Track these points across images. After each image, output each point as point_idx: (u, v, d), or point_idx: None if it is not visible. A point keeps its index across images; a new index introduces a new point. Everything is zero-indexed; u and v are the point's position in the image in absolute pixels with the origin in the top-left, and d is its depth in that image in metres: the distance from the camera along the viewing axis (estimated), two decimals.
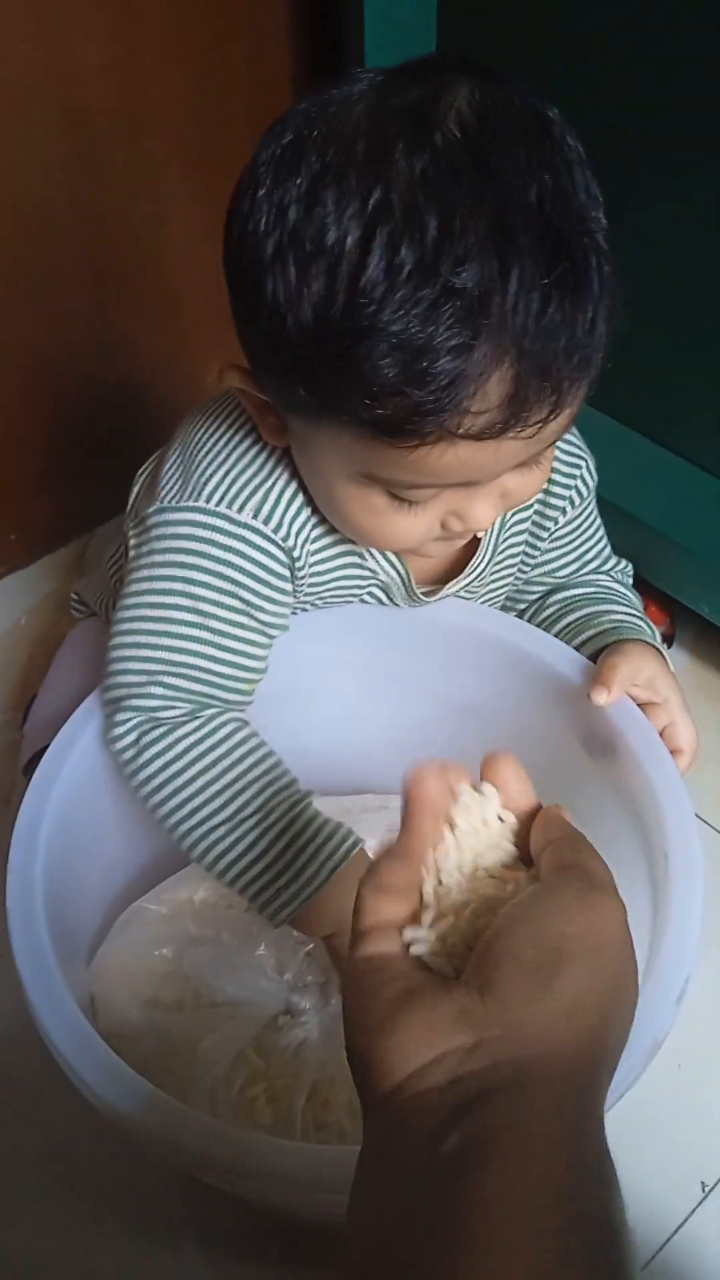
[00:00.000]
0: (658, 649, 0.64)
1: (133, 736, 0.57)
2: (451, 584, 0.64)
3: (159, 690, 0.57)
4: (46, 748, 0.61)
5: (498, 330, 0.43)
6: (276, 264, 0.45)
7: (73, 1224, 0.66)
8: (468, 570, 0.63)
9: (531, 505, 0.66)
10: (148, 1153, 0.48)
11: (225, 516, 0.56)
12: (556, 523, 0.66)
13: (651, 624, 0.68)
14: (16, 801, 0.57)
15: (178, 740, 0.57)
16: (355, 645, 0.66)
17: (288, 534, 0.57)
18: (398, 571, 0.62)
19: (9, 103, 0.82)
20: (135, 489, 0.62)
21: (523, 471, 0.52)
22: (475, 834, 0.40)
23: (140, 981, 0.59)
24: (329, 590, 0.62)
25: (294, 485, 0.57)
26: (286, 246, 0.44)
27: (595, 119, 0.75)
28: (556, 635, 0.66)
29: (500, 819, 0.42)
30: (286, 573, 0.59)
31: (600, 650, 0.64)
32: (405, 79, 0.45)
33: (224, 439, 0.58)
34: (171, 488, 0.58)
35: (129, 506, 0.63)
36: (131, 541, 0.59)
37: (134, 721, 0.57)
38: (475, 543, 0.64)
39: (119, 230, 0.94)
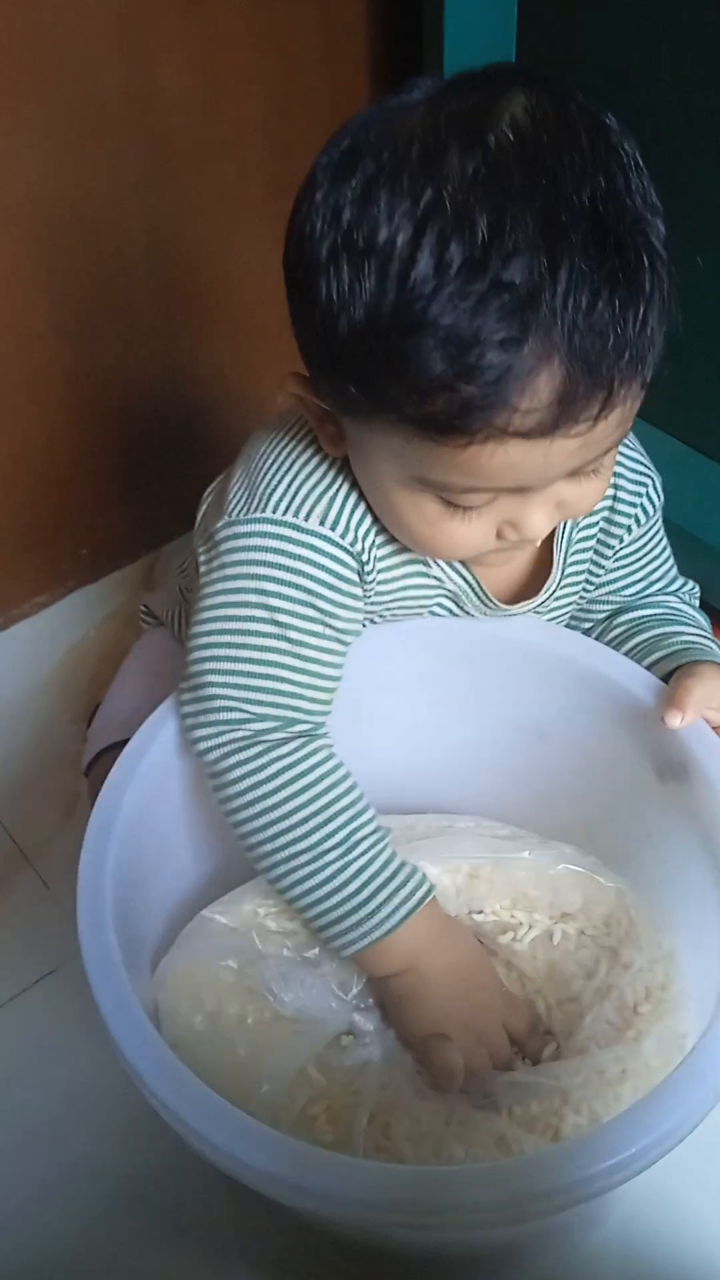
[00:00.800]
0: None
1: (222, 750, 0.58)
2: (525, 603, 0.64)
3: (247, 704, 0.57)
4: (108, 750, 0.62)
5: (547, 326, 0.43)
6: (330, 265, 0.46)
7: (121, 1236, 0.66)
8: (544, 589, 0.63)
9: (596, 523, 0.65)
10: (210, 1164, 0.48)
11: (293, 525, 0.57)
12: (622, 540, 0.66)
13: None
14: (83, 808, 0.57)
15: (271, 761, 0.57)
16: (422, 661, 0.66)
17: (355, 539, 0.58)
18: (464, 579, 0.62)
19: (90, 125, 0.84)
20: (203, 507, 0.63)
21: (579, 481, 0.52)
22: None
23: (205, 992, 0.59)
24: (397, 601, 0.62)
25: (357, 493, 0.58)
26: (340, 248, 0.45)
27: (671, 129, 0.75)
28: (624, 656, 0.65)
29: None
30: (357, 578, 0.59)
31: (671, 672, 0.63)
32: (463, 86, 0.47)
33: (287, 452, 0.59)
34: (238, 502, 0.58)
35: (197, 523, 0.63)
36: (201, 558, 0.60)
37: (224, 735, 0.57)
38: (549, 561, 0.64)
39: (192, 253, 0.96)
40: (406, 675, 0.66)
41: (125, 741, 0.63)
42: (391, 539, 0.59)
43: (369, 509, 0.58)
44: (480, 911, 0.67)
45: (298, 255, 0.48)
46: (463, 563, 0.61)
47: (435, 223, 0.43)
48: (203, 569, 0.59)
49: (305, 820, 0.57)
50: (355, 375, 0.47)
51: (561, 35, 0.84)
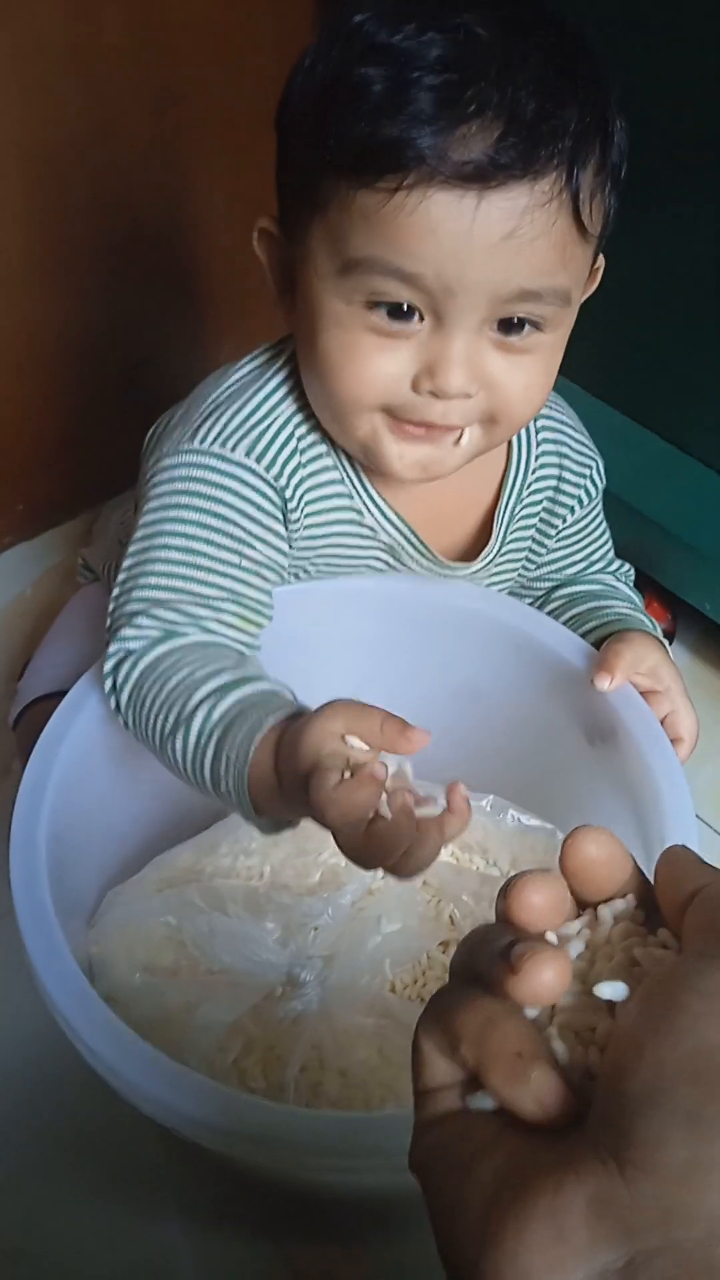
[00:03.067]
0: (660, 640, 0.65)
1: (111, 676, 0.57)
2: (464, 564, 0.64)
3: (141, 621, 0.56)
4: (36, 702, 0.61)
5: (488, 76, 0.46)
6: (316, 44, 0.50)
7: (54, 1183, 0.67)
8: (482, 556, 0.64)
9: (541, 501, 0.66)
10: (141, 1112, 0.48)
11: (219, 455, 0.57)
12: (565, 520, 0.68)
13: (654, 620, 0.69)
14: (17, 768, 0.57)
15: (143, 669, 0.56)
16: (359, 622, 0.66)
17: (280, 473, 0.58)
18: (400, 531, 0.62)
19: (32, 74, 0.82)
20: (146, 449, 0.63)
21: (508, 358, 0.52)
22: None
23: (139, 947, 0.60)
24: (330, 550, 0.63)
25: (290, 426, 0.58)
26: (328, 34, 0.50)
27: (631, 79, 0.75)
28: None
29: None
30: (279, 514, 0.59)
31: (604, 640, 0.65)
32: None
33: (229, 391, 0.60)
34: (172, 438, 0.59)
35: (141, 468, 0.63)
36: (139, 497, 0.60)
37: (114, 658, 0.57)
38: (487, 533, 0.64)
39: (136, 204, 0.94)
40: (343, 636, 0.67)
41: (54, 694, 0.63)
42: (324, 477, 0.60)
43: (298, 448, 0.58)
44: None
45: (288, 90, 0.52)
46: (397, 514, 0.62)
47: (411, 6, 0.48)
48: (138, 506, 0.60)
49: (171, 698, 0.54)
50: (311, 119, 0.50)
51: None
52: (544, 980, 0.26)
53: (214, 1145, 0.47)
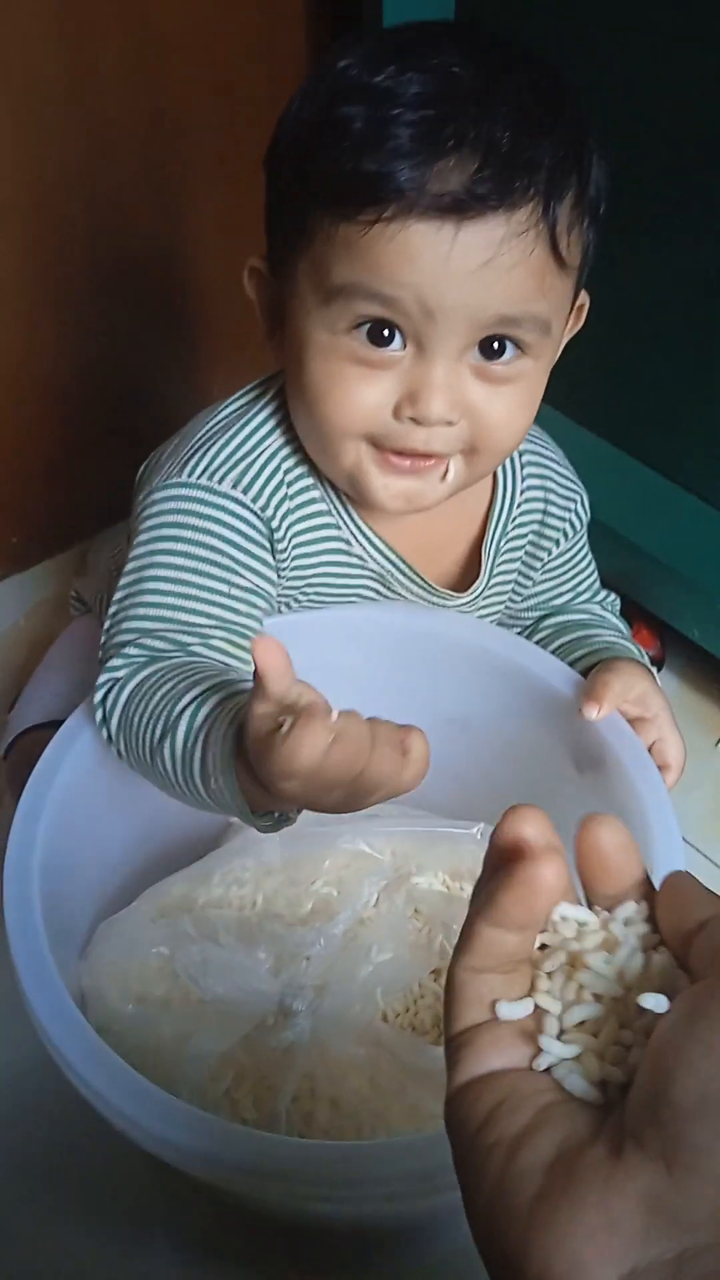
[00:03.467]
0: (647, 667, 0.66)
1: (100, 707, 0.57)
2: (455, 595, 0.65)
3: (129, 651, 0.57)
4: (27, 733, 0.61)
5: (466, 113, 0.48)
6: (302, 89, 0.53)
7: (44, 1214, 0.67)
8: (471, 590, 0.65)
9: (526, 535, 0.68)
10: (131, 1142, 0.48)
11: (206, 488, 0.59)
12: (550, 553, 0.69)
13: (641, 648, 0.70)
14: (8, 800, 0.57)
15: (130, 693, 0.56)
16: (349, 653, 0.67)
17: (266, 504, 0.59)
18: (388, 558, 0.63)
19: (28, 104, 0.83)
20: (137, 485, 0.64)
21: (489, 387, 0.53)
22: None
23: (132, 977, 0.60)
24: (319, 580, 0.63)
25: (276, 459, 0.60)
26: (313, 80, 0.52)
27: (611, 117, 0.76)
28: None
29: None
30: (266, 542, 0.60)
31: (591, 668, 0.65)
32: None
33: (217, 426, 0.61)
34: (162, 473, 0.60)
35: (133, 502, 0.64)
36: (130, 532, 0.61)
37: (103, 689, 0.57)
38: (478, 564, 0.65)
39: (132, 237, 0.96)
40: (331, 666, 0.67)
41: (46, 725, 0.63)
42: (311, 510, 0.60)
43: (284, 480, 0.60)
44: (418, 879, 0.67)
45: (277, 132, 0.54)
46: (385, 543, 0.63)
47: (399, 59, 0.49)
48: (129, 541, 0.61)
49: (154, 717, 0.54)
50: (294, 157, 0.52)
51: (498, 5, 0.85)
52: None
53: (204, 1175, 0.47)
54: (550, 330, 0.54)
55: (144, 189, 0.94)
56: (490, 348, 0.53)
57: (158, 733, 0.53)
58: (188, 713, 0.52)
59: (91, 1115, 0.49)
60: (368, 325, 0.52)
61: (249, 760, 0.46)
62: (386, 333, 0.52)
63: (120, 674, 0.57)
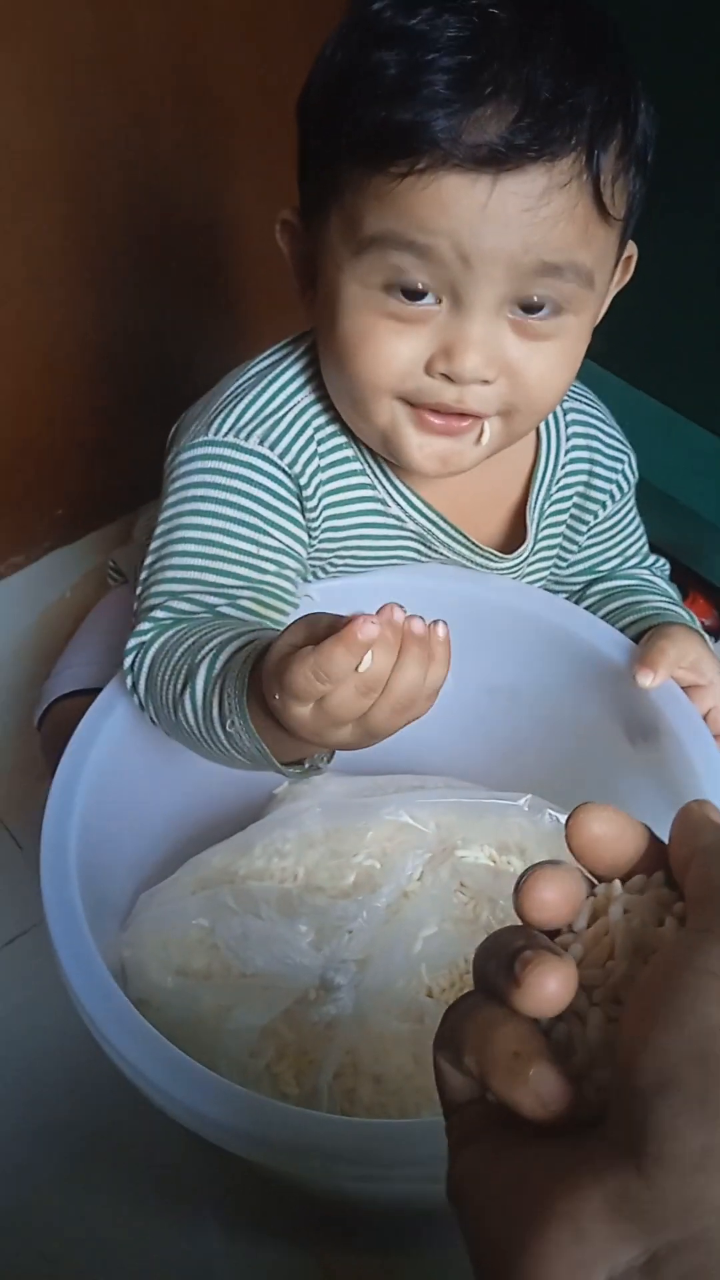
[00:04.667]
0: (700, 634, 0.63)
1: (130, 671, 0.56)
2: (500, 556, 0.63)
3: (157, 613, 0.56)
4: (59, 700, 0.61)
5: (504, 58, 0.45)
6: (335, 34, 0.50)
7: (92, 1191, 0.67)
8: (517, 554, 0.63)
9: (571, 496, 0.65)
10: (172, 1118, 0.48)
11: (233, 445, 0.57)
12: (596, 515, 0.66)
13: (692, 613, 0.68)
14: (46, 765, 0.57)
15: (154, 655, 0.55)
16: None
17: (294, 460, 0.58)
18: (428, 517, 0.61)
19: (64, 76, 0.82)
20: (169, 447, 0.63)
21: (527, 343, 0.51)
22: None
23: (172, 950, 0.59)
24: (353, 541, 0.62)
25: (306, 417, 0.58)
26: (346, 26, 0.50)
27: (664, 70, 0.73)
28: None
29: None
30: (295, 500, 0.58)
31: (642, 634, 0.63)
32: None
33: (246, 382, 0.60)
34: (190, 432, 0.59)
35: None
36: (162, 494, 0.60)
37: (132, 655, 0.56)
38: (516, 528, 0.63)
39: (171, 205, 0.94)
40: None
41: (77, 693, 0.62)
42: (344, 469, 0.58)
43: (313, 437, 0.58)
44: (463, 853, 0.65)
45: (310, 79, 0.51)
46: (424, 502, 0.61)
47: (434, 4, 0.47)
48: (160, 502, 0.59)
49: (172, 674, 0.53)
50: (328, 106, 0.49)
51: None
52: (548, 992, 0.25)
53: (244, 1152, 0.47)
54: (594, 283, 0.51)
55: (180, 155, 0.92)
56: (530, 305, 0.50)
57: (179, 685, 0.52)
58: (207, 660, 0.51)
59: (134, 1091, 0.49)
60: (400, 288, 0.50)
61: (263, 696, 0.46)
62: (421, 286, 0.49)
63: (147, 637, 0.56)
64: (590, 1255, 0.22)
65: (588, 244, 0.49)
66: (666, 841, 0.29)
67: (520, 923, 0.29)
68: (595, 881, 0.30)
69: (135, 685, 0.56)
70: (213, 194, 0.96)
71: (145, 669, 0.55)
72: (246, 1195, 0.66)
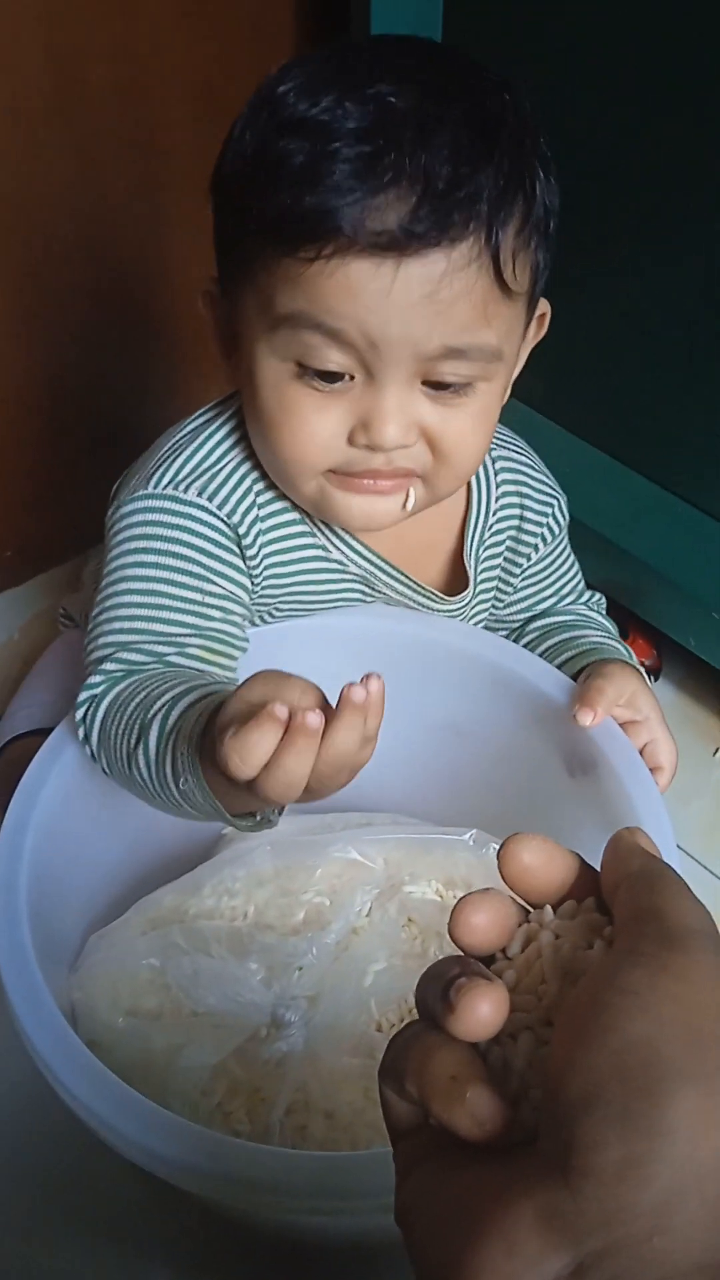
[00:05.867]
0: (636, 668, 0.66)
1: (82, 725, 0.57)
2: (444, 598, 0.65)
3: (106, 666, 0.57)
4: (12, 741, 0.61)
5: (404, 145, 0.47)
6: (244, 114, 0.52)
7: (38, 1237, 0.66)
8: (460, 598, 0.65)
9: (504, 541, 0.68)
10: (125, 1158, 0.48)
11: (171, 497, 0.59)
12: (530, 558, 0.69)
13: (628, 647, 0.70)
14: (2, 809, 0.57)
15: (107, 707, 0.56)
16: (338, 662, 0.66)
17: (232, 511, 0.59)
18: (370, 561, 0.63)
19: (17, 125, 0.84)
20: (110, 502, 0.65)
21: (442, 408, 0.53)
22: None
23: (123, 990, 0.60)
24: (297, 587, 0.63)
25: (242, 471, 0.60)
26: (255, 105, 0.51)
27: (595, 140, 0.76)
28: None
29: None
30: (235, 548, 0.60)
31: (581, 670, 0.65)
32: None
33: (183, 437, 0.61)
34: (130, 486, 0.61)
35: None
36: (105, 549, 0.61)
37: (84, 708, 0.57)
38: (453, 574, 0.65)
39: (122, 252, 0.96)
40: (322, 675, 0.67)
41: (31, 733, 0.63)
42: (284, 518, 0.60)
43: (251, 489, 0.60)
44: (411, 888, 0.66)
45: (221, 158, 0.53)
46: (365, 545, 0.63)
47: (339, 85, 0.48)
48: (104, 557, 0.61)
49: (131, 723, 0.54)
50: (238, 190, 0.51)
51: (485, 21, 0.85)
52: (480, 1015, 0.27)
53: (197, 1189, 0.47)
54: (502, 355, 0.53)
55: (131, 205, 0.94)
56: (440, 384, 0.52)
57: (133, 739, 0.53)
58: (160, 715, 0.52)
59: (85, 1132, 0.49)
60: (313, 371, 0.52)
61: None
62: (333, 366, 0.51)
63: (98, 690, 0.57)
64: (520, 1268, 0.23)
65: (489, 322, 0.51)
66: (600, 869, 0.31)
67: (458, 952, 0.30)
68: (530, 909, 0.31)
69: (88, 737, 0.57)
70: (162, 242, 0.98)
71: (98, 722, 0.56)
72: (194, 1235, 0.65)
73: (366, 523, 0.58)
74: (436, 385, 0.52)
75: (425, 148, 0.47)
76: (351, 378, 0.52)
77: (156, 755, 0.52)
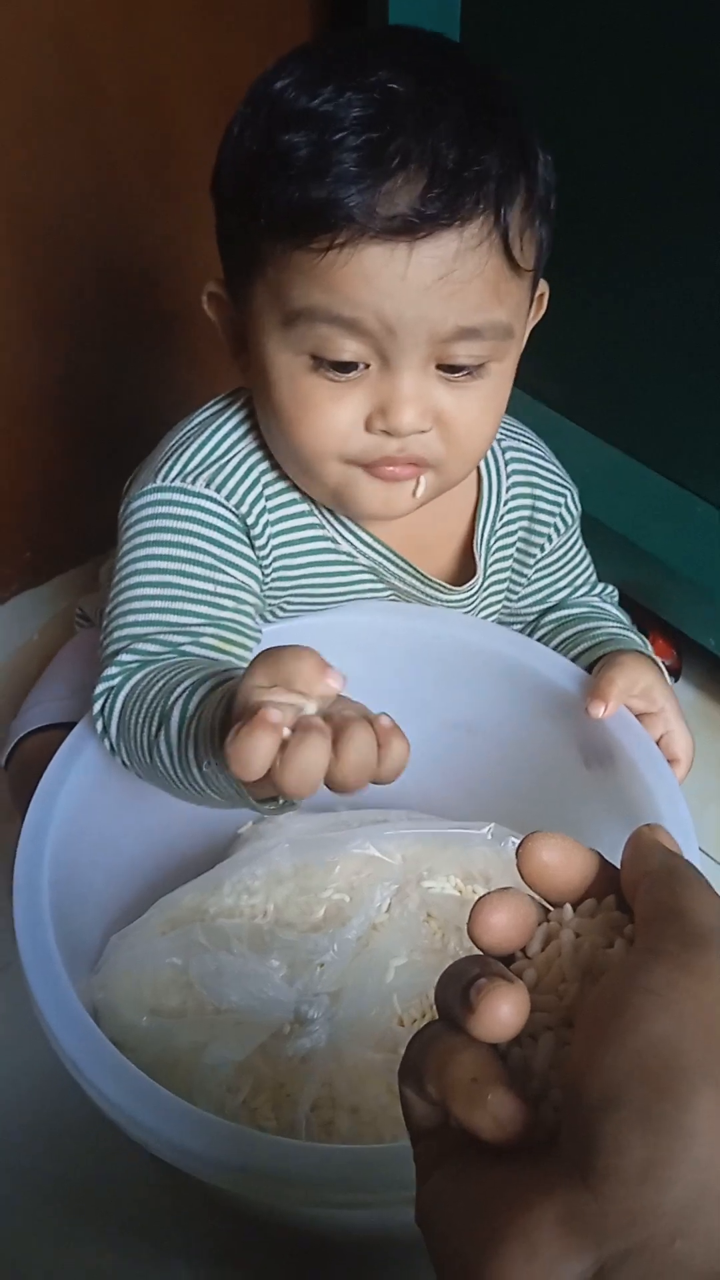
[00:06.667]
0: (652, 659, 0.65)
1: (100, 716, 0.57)
2: (453, 589, 0.65)
3: (123, 657, 0.57)
4: (27, 737, 0.61)
5: (409, 131, 0.47)
6: (243, 110, 0.52)
7: (62, 1232, 0.67)
8: (468, 586, 0.65)
9: (516, 531, 0.68)
10: (150, 1156, 0.48)
11: (180, 489, 0.59)
12: (543, 549, 0.69)
13: (643, 637, 0.70)
14: (15, 804, 0.57)
15: (125, 697, 0.56)
16: (350, 661, 0.66)
17: (240, 502, 0.60)
18: (378, 551, 0.63)
19: (33, 131, 0.84)
20: (123, 499, 0.65)
21: (456, 392, 0.53)
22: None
23: (145, 989, 0.60)
24: (307, 580, 0.63)
25: (250, 461, 0.60)
26: (253, 99, 0.52)
27: (609, 139, 0.75)
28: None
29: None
30: (244, 537, 0.60)
31: (596, 661, 0.65)
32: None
33: (191, 430, 0.62)
34: (139, 480, 0.61)
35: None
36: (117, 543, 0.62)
37: (101, 700, 0.57)
38: (464, 564, 0.65)
39: (140, 257, 0.97)
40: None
41: (44, 729, 0.63)
42: (292, 510, 0.60)
43: (259, 479, 0.60)
44: (430, 883, 0.67)
45: (220, 160, 0.53)
46: (373, 537, 0.63)
47: (338, 78, 0.49)
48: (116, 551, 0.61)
49: (151, 712, 0.54)
50: (242, 188, 0.51)
51: (504, 26, 0.85)
52: (501, 1017, 0.27)
53: (224, 1183, 0.47)
54: (512, 333, 0.54)
55: (147, 210, 0.95)
56: (454, 366, 0.53)
57: (154, 728, 0.53)
58: (180, 700, 0.52)
59: (106, 1132, 0.49)
60: (329, 363, 0.52)
61: None
62: (348, 357, 0.52)
63: (115, 681, 0.57)
64: (541, 1271, 0.23)
65: (501, 300, 0.52)
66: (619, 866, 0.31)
67: (477, 950, 0.30)
68: (550, 908, 0.31)
69: (106, 729, 0.57)
70: (177, 252, 0.98)
71: (116, 713, 0.56)
72: (216, 1233, 0.66)
73: (385, 510, 0.58)
74: (450, 369, 0.53)
75: (431, 131, 0.48)
76: (366, 366, 0.52)
77: (179, 742, 0.52)
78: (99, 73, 0.85)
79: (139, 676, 0.56)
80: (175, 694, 0.53)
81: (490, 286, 0.51)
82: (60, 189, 0.88)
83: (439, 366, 0.53)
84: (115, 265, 0.95)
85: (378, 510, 0.58)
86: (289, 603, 0.65)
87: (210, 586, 0.59)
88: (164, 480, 0.59)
